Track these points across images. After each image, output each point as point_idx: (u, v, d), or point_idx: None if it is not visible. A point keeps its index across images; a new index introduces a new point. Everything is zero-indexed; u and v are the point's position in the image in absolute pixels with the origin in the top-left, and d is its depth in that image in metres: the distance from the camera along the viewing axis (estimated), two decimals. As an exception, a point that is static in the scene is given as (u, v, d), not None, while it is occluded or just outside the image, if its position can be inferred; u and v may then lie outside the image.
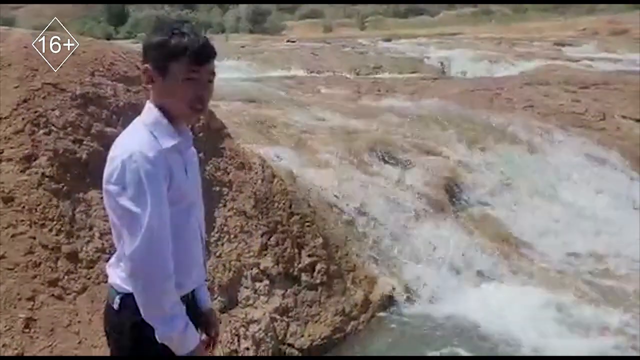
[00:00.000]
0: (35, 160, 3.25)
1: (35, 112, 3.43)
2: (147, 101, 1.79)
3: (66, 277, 2.93)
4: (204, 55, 1.73)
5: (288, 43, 18.13)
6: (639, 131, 8.23)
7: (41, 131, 3.37)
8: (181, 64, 1.71)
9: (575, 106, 8.66)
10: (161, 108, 1.74)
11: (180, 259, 1.73)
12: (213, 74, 1.77)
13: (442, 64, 14.76)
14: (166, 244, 1.65)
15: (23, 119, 3.38)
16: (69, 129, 3.47)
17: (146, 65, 1.75)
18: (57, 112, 3.49)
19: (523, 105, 8.35)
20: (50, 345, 2.67)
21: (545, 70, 12.29)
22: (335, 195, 4.96)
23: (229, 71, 11.22)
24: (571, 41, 20.87)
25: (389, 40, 21.48)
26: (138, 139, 1.68)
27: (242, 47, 15.80)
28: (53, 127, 3.43)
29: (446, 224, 5.29)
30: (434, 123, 7.13)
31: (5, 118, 3.37)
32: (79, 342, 2.76)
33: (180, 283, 1.73)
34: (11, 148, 3.26)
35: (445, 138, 6.72)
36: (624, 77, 10.46)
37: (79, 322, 2.81)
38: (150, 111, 1.76)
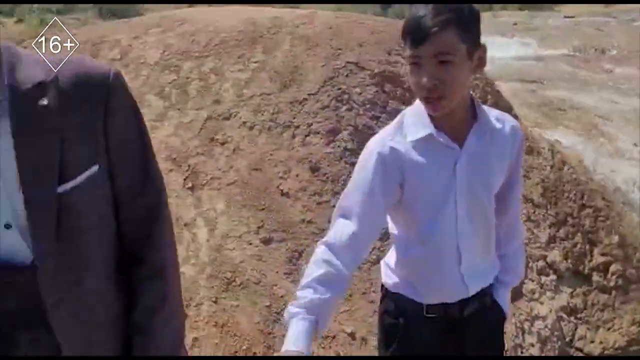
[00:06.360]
0: (338, 134, 3.47)
1: (339, 89, 3.65)
2: None
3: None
4: None
5: (565, 19, 16.66)
6: None
7: (344, 107, 3.58)
8: None
9: None
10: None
11: None
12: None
13: None
14: None
15: (329, 95, 3.63)
16: (368, 105, 3.63)
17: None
18: (357, 90, 3.67)
19: None
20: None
21: None
22: (635, 191, 4.36)
23: (500, 49, 10.69)
24: None
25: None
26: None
27: (515, 24, 14.96)
28: (354, 104, 3.61)
29: None
30: None
31: (313, 94, 3.66)
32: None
33: None
34: (318, 122, 3.53)
35: None
36: None
37: (373, 291, 2.93)
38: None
